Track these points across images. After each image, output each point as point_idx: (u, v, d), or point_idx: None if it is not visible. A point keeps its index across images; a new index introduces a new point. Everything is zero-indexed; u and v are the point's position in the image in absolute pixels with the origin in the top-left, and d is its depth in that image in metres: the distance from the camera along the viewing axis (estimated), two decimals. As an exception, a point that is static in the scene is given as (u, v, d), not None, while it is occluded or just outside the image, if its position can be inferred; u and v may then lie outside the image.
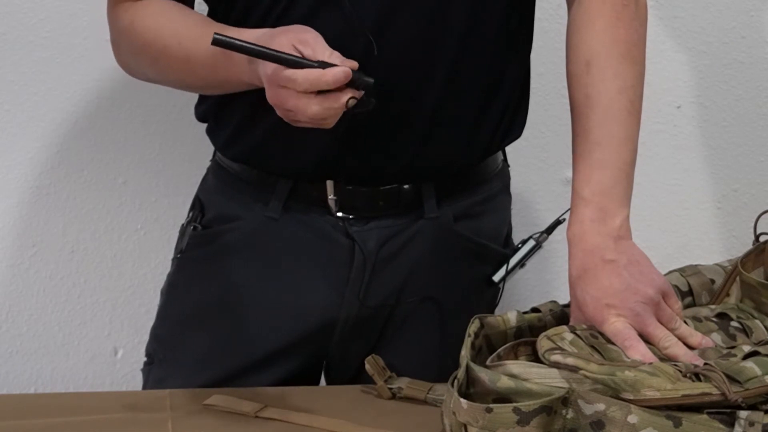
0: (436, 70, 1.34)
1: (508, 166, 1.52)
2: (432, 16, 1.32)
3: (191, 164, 1.82)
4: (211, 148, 1.49)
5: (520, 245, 1.47)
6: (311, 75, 1.18)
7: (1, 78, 1.80)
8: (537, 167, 1.96)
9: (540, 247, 1.47)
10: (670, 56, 1.96)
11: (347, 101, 1.20)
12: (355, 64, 1.20)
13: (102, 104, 1.84)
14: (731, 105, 2.00)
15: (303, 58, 1.19)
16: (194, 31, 1.31)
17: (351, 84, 1.19)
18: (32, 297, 1.89)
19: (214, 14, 1.38)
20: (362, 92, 1.21)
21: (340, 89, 1.20)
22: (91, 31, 1.79)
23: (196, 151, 1.81)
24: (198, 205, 1.48)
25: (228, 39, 1.18)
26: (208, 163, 1.52)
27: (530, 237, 1.47)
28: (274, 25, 1.31)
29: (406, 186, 1.40)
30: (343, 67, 1.19)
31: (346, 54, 1.28)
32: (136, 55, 1.37)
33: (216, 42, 1.17)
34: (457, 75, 1.35)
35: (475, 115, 1.39)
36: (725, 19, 1.96)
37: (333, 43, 1.27)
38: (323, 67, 1.18)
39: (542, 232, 1.47)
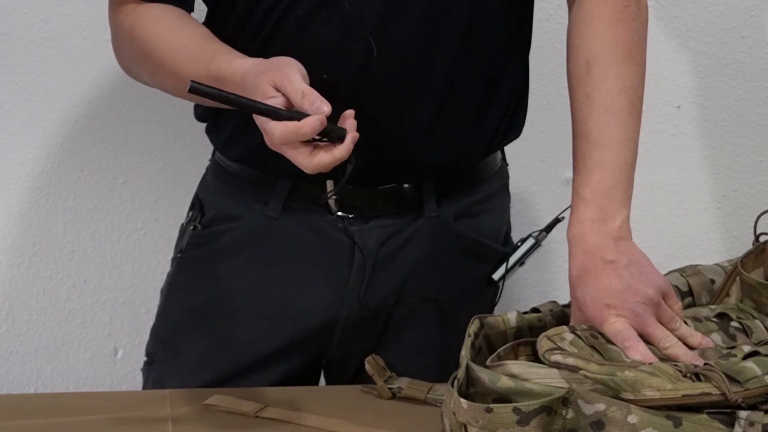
0: (436, 70, 1.34)
1: (507, 165, 1.53)
2: (431, 17, 1.32)
3: (191, 164, 1.82)
4: (211, 148, 1.49)
5: (519, 244, 1.48)
6: (287, 128, 1.15)
7: (1, 78, 1.80)
8: (537, 167, 1.96)
9: (539, 245, 1.47)
10: (670, 56, 1.96)
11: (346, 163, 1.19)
12: (327, 110, 1.16)
13: (102, 104, 1.84)
14: (731, 105, 2.00)
15: (277, 109, 1.16)
16: (189, 49, 1.30)
17: (324, 134, 1.16)
18: (32, 297, 1.89)
19: (213, 16, 1.38)
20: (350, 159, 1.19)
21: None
22: (91, 31, 1.79)
23: (195, 151, 1.81)
24: (198, 205, 1.48)
25: (204, 88, 1.15)
26: (207, 163, 1.52)
27: (529, 235, 1.47)
28: (274, 26, 1.31)
29: (406, 185, 1.40)
30: (318, 116, 1.15)
31: (346, 56, 1.28)
32: (136, 64, 1.37)
33: (192, 90, 1.15)
34: (456, 75, 1.35)
35: (475, 115, 1.39)
36: (725, 19, 1.96)
37: (333, 44, 1.27)
38: (298, 117, 1.15)
39: (541, 231, 1.47)
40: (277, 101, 1.17)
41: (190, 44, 1.30)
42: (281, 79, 1.17)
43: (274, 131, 1.16)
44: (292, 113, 1.16)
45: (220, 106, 1.24)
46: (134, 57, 1.36)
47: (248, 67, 1.22)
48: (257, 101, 1.16)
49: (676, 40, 1.96)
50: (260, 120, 1.18)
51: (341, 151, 1.17)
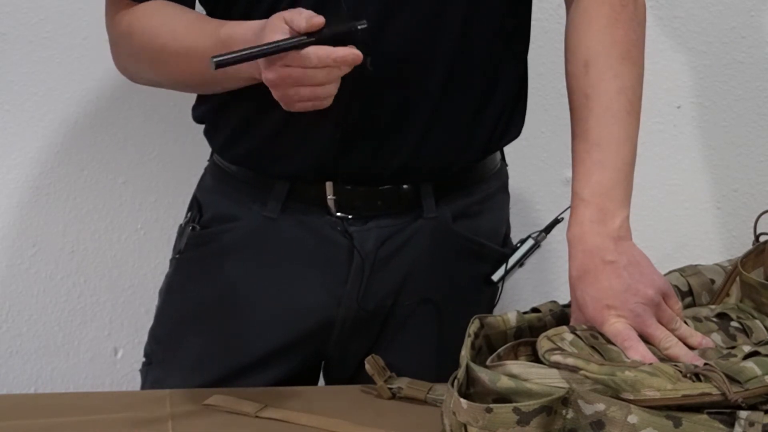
0: (434, 69, 1.34)
1: (506, 165, 1.53)
2: (428, 18, 1.32)
3: (191, 164, 1.82)
4: (209, 148, 1.49)
5: (518, 244, 1.47)
6: (320, 51, 1.18)
7: (1, 78, 1.80)
8: (536, 167, 1.96)
9: (539, 246, 1.47)
10: (670, 56, 1.96)
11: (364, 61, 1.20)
12: (320, 21, 1.18)
13: (102, 104, 1.84)
14: (731, 105, 2.00)
15: (300, 38, 1.18)
16: (192, 27, 1.30)
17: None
18: (32, 297, 1.89)
19: (213, 16, 1.38)
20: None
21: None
22: (91, 31, 1.79)
23: (195, 152, 1.81)
24: (196, 206, 1.48)
25: (227, 57, 1.17)
26: (207, 164, 1.52)
27: (529, 236, 1.47)
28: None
29: (404, 186, 1.40)
30: (352, 50, 1.19)
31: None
32: (135, 57, 1.37)
33: (218, 65, 1.16)
34: (454, 74, 1.35)
35: (473, 115, 1.39)
36: (725, 19, 1.96)
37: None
38: (320, 41, 1.18)
39: (541, 231, 1.47)
40: (287, 35, 1.18)
41: (192, 23, 1.31)
42: (290, 12, 1.19)
43: (308, 54, 1.17)
44: (312, 40, 1.18)
45: (217, 88, 1.24)
46: (132, 51, 1.36)
47: (261, 21, 1.23)
48: (279, 41, 1.17)
49: (676, 40, 1.96)
50: (283, 57, 1.18)
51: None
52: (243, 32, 1.24)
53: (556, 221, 1.45)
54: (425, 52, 1.33)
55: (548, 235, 1.48)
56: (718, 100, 1.99)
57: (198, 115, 1.46)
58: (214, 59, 1.16)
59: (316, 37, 1.18)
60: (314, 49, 1.18)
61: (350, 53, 1.19)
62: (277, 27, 1.19)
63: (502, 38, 1.38)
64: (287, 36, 1.18)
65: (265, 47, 1.18)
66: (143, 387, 1.50)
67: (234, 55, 1.17)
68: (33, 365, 1.92)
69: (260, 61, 1.20)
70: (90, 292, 1.91)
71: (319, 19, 1.18)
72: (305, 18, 1.18)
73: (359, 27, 1.20)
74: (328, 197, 1.38)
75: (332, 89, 1.22)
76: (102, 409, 1.31)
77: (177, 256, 1.48)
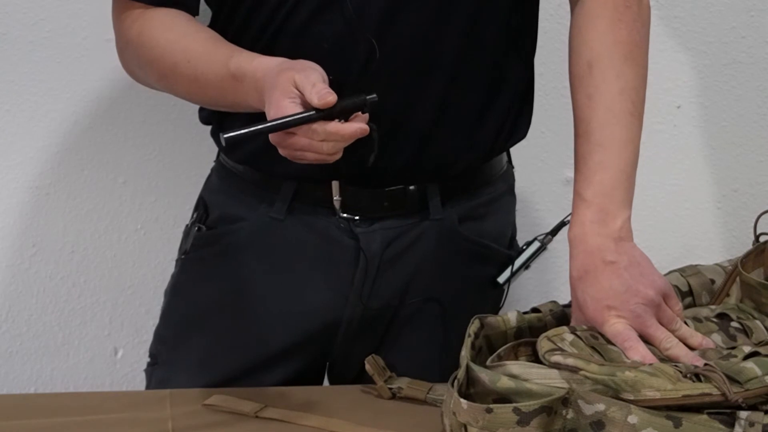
0: (439, 69, 1.34)
1: (513, 167, 1.52)
2: (434, 17, 1.32)
3: (191, 164, 1.82)
4: (213, 149, 1.49)
5: (524, 247, 1.47)
6: (329, 127, 1.17)
7: (1, 78, 1.80)
8: (537, 167, 1.96)
9: (544, 248, 1.47)
10: (670, 56, 1.96)
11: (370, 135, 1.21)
12: (333, 100, 1.18)
13: (102, 104, 1.84)
14: (731, 105, 2.00)
15: (309, 115, 1.18)
16: (204, 50, 1.30)
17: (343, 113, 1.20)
18: (32, 297, 1.89)
19: (218, 16, 1.38)
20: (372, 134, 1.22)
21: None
22: (91, 31, 1.79)
23: (196, 152, 1.81)
24: (202, 206, 1.48)
25: (237, 134, 1.18)
26: (208, 163, 1.52)
27: (535, 239, 1.47)
28: (277, 28, 1.31)
29: (411, 187, 1.40)
30: (361, 125, 1.19)
31: (349, 56, 1.28)
32: (144, 68, 1.37)
33: (229, 142, 1.18)
34: (459, 75, 1.35)
35: (479, 116, 1.39)
36: (725, 19, 1.96)
37: (335, 45, 1.27)
38: (330, 115, 1.18)
39: (547, 234, 1.47)
40: (296, 101, 1.18)
41: (205, 46, 1.30)
42: (301, 77, 1.19)
43: (316, 128, 1.17)
44: (321, 115, 1.18)
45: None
46: (141, 61, 1.36)
47: (273, 65, 1.23)
48: (288, 117, 1.17)
49: (676, 40, 1.96)
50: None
51: (360, 121, 1.19)
52: (253, 69, 1.24)
53: (563, 224, 1.45)
54: (431, 50, 1.33)
55: (553, 238, 1.47)
56: (718, 100, 1.99)
57: (205, 116, 1.46)
58: (224, 136, 1.18)
59: (326, 112, 1.18)
60: (323, 126, 1.17)
61: (359, 130, 1.19)
62: (287, 91, 1.18)
63: (508, 38, 1.38)
64: (295, 99, 1.18)
65: (275, 123, 1.18)
66: (148, 387, 1.50)
67: (244, 131, 1.19)
68: (33, 365, 1.92)
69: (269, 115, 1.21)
70: (90, 292, 1.91)
71: (331, 98, 1.17)
72: (317, 95, 1.17)
73: (369, 100, 1.20)
74: (334, 198, 1.38)
75: (338, 155, 1.22)
76: (102, 409, 1.31)
77: (183, 256, 1.48)
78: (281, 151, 1.22)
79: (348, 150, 1.34)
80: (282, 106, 1.17)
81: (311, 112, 1.17)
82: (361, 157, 1.26)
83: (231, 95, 1.28)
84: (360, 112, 1.20)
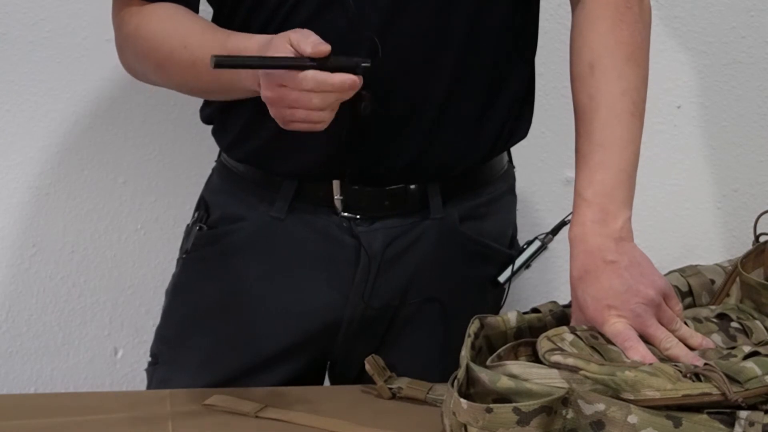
0: (441, 69, 1.34)
1: (514, 167, 1.53)
2: (436, 16, 1.32)
3: (191, 164, 1.82)
4: (213, 148, 1.49)
5: (525, 246, 1.47)
6: (319, 75, 1.18)
7: (1, 78, 1.80)
8: (538, 167, 1.96)
9: (545, 248, 1.47)
10: (670, 56, 1.96)
11: (360, 98, 1.20)
12: (326, 49, 1.18)
13: (102, 104, 1.84)
14: (731, 105, 2.00)
15: (302, 59, 1.18)
16: (201, 36, 1.30)
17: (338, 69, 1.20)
18: (32, 297, 1.89)
19: (218, 16, 1.38)
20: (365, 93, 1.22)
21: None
22: (91, 31, 1.79)
23: (196, 151, 1.81)
24: (203, 206, 1.48)
25: (228, 58, 1.18)
26: (208, 163, 1.52)
27: (536, 238, 1.47)
28: (279, 27, 1.31)
29: (412, 186, 1.40)
30: (351, 77, 1.19)
31: (351, 54, 1.28)
32: (142, 60, 1.37)
33: (217, 64, 1.17)
34: (461, 74, 1.35)
35: (480, 115, 1.39)
36: (725, 19, 1.96)
37: (337, 45, 1.27)
38: (322, 67, 1.18)
39: (547, 233, 1.47)
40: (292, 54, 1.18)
41: (202, 32, 1.31)
42: (297, 36, 1.19)
43: (305, 76, 1.17)
44: (314, 62, 1.18)
45: (223, 98, 1.24)
46: (138, 53, 1.36)
47: (269, 36, 1.23)
48: (281, 56, 1.18)
49: (676, 40, 1.96)
50: (281, 75, 1.18)
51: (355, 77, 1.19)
52: (249, 46, 1.24)
53: (563, 223, 1.45)
54: (433, 50, 1.33)
55: (554, 237, 1.47)
56: (718, 100, 1.99)
57: (206, 116, 1.46)
58: (215, 57, 1.17)
59: (318, 62, 1.18)
60: (313, 72, 1.18)
61: (348, 79, 1.19)
62: (281, 47, 1.19)
63: (510, 38, 1.38)
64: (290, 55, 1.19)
65: (267, 60, 1.18)
66: (149, 387, 1.50)
67: (234, 58, 1.19)
68: (33, 365, 1.92)
69: (260, 77, 1.21)
70: (90, 292, 1.91)
71: (325, 47, 1.18)
72: (311, 43, 1.18)
73: (363, 65, 1.20)
74: (335, 197, 1.38)
75: (327, 116, 1.21)
76: (102, 409, 1.31)
77: (184, 256, 1.48)
78: (272, 111, 1.22)
79: (349, 149, 1.34)
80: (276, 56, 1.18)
81: (304, 60, 1.18)
82: (356, 113, 1.25)
83: (226, 77, 1.27)
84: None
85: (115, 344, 1.94)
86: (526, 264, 1.47)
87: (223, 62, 1.18)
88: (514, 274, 1.46)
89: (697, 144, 2.01)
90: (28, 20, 1.79)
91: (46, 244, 1.88)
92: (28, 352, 1.91)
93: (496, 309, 1.49)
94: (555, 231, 1.47)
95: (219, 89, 1.33)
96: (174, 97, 1.82)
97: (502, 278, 1.46)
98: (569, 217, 1.31)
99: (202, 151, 1.53)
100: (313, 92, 1.19)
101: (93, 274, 1.90)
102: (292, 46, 1.19)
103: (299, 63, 1.18)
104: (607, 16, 1.32)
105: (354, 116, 1.25)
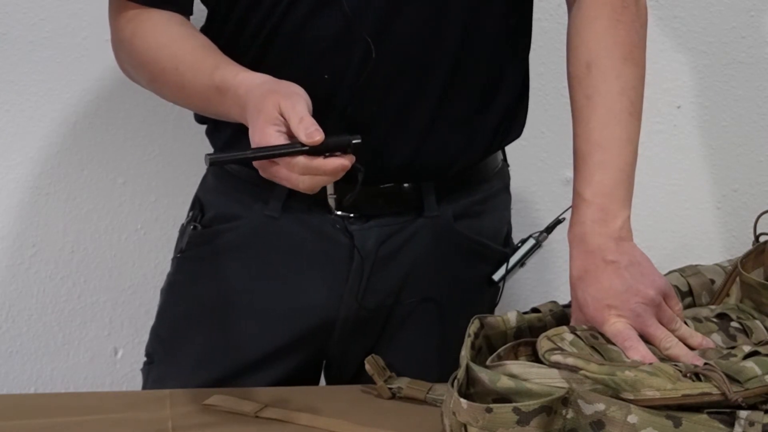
0: (436, 69, 1.34)
1: (508, 165, 1.53)
2: (431, 17, 1.32)
3: (191, 164, 1.82)
4: (211, 149, 1.49)
5: (519, 244, 1.48)
6: (312, 163, 1.17)
7: (1, 78, 1.80)
8: (537, 167, 1.96)
9: (540, 246, 1.47)
10: (670, 56, 1.96)
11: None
12: (320, 138, 1.16)
13: (102, 104, 1.84)
14: (731, 105, 2.00)
15: (293, 145, 1.17)
16: (192, 59, 1.30)
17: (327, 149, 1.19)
18: (32, 297, 1.89)
19: (213, 17, 1.38)
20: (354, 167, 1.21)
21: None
22: (91, 31, 1.79)
23: (195, 152, 1.81)
24: (198, 205, 1.48)
25: (221, 157, 1.19)
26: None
27: (530, 236, 1.47)
28: (274, 27, 1.31)
29: (405, 185, 1.40)
30: (343, 161, 1.18)
31: (346, 56, 1.28)
32: (137, 69, 1.38)
33: (212, 162, 1.19)
34: (456, 74, 1.35)
35: (475, 114, 1.39)
36: (725, 19, 1.96)
37: (332, 45, 1.28)
38: (312, 153, 1.17)
39: (542, 231, 1.47)
40: (281, 130, 1.18)
41: (193, 54, 1.30)
42: (287, 105, 1.18)
43: (297, 162, 1.16)
44: (305, 150, 1.17)
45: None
46: (133, 63, 1.37)
47: (257, 83, 1.23)
48: (274, 147, 1.17)
49: (676, 40, 1.96)
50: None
51: (346, 159, 1.19)
52: (236, 84, 1.24)
53: (558, 221, 1.45)
54: (427, 50, 1.33)
55: (548, 236, 1.48)
56: (718, 100, 1.99)
57: (200, 116, 1.46)
58: (209, 157, 1.18)
59: (311, 148, 1.17)
60: (306, 160, 1.17)
61: (341, 165, 1.18)
62: (272, 118, 1.18)
63: (505, 37, 1.38)
64: (280, 128, 1.18)
65: (259, 153, 1.18)
66: (145, 386, 1.50)
67: (228, 156, 1.22)
68: (33, 365, 1.92)
69: (253, 139, 1.20)
70: (90, 292, 1.91)
71: (319, 137, 1.16)
72: (304, 132, 1.16)
73: (354, 142, 1.19)
74: (329, 196, 1.38)
75: (316, 189, 1.21)
76: (102, 409, 1.31)
77: (179, 255, 1.48)
78: (261, 173, 1.22)
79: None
80: (266, 134, 1.17)
81: (296, 145, 1.17)
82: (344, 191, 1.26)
83: (214, 106, 1.29)
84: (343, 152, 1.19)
85: (115, 344, 1.94)
86: (521, 262, 1.47)
87: (217, 160, 1.19)
88: (508, 272, 1.46)
89: (696, 144, 2.01)
90: (28, 20, 1.79)
91: (46, 244, 1.88)
92: (28, 352, 1.91)
93: (491, 307, 1.49)
94: (549, 229, 1.47)
95: (209, 114, 1.35)
96: (174, 97, 1.82)
97: (496, 277, 1.46)
98: (564, 215, 1.31)
99: (202, 151, 1.52)
100: (303, 175, 1.18)
101: (93, 274, 1.90)
102: (282, 115, 1.18)
103: (291, 150, 1.17)
104: (604, 16, 1.32)
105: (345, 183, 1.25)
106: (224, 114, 1.28)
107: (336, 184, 1.37)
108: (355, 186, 1.23)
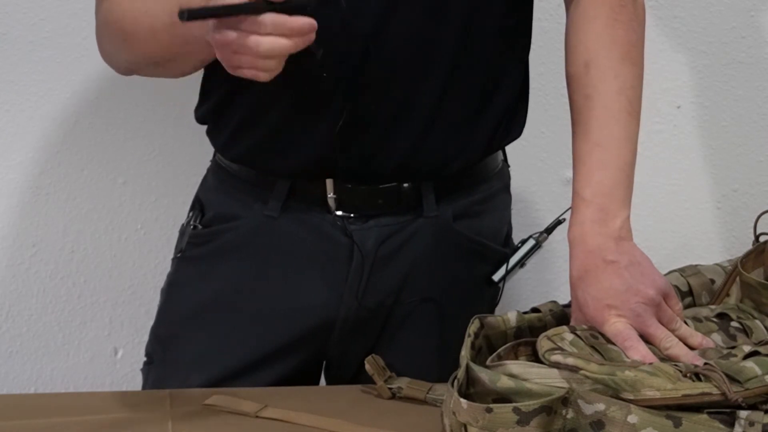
0: (435, 68, 1.34)
1: (508, 166, 1.53)
2: (429, 16, 1.32)
3: (191, 164, 1.82)
4: (211, 148, 1.49)
5: (519, 245, 1.48)
6: (278, 18, 1.13)
7: (1, 78, 1.80)
8: (537, 167, 1.97)
9: (540, 246, 1.47)
10: (670, 56, 1.96)
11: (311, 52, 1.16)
12: None
13: (102, 104, 1.84)
14: (731, 105, 2.00)
15: (258, 3, 1.13)
16: (162, 1, 1.26)
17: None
18: (32, 297, 1.89)
19: None
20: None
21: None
22: (91, 30, 1.77)
23: (195, 151, 1.81)
24: (198, 205, 1.48)
25: (196, 10, 1.14)
26: (207, 163, 1.52)
27: (530, 236, 1.47)
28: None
29: (405, 185, 1.40)
30: (309, 20, 1.14)
31: (344, 55, 1.28)
32: (111, 38, 1.35)
33: (189, 16, 1.12)
34: (455, 73, 1.35)
35: (474, 114, 1.39)
36: (725, 19, 1.96)
37: (329, 44, 1.27)
38: (276, 10, 1.14)
39: (542, 232, 1.47)
40: None
41: None
42: None
43: (264, 20, 1.12)
44: (276, 5, 1.14)
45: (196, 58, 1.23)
46: (108, 31, 1.35)
47: None
48: (240, 3, 1.13)
49: (676, 40, 1.96)
50: (237, 20, 1.14)
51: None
52: None
53: (558, 222, 1.45)
54: (426, 50, 1.33)
55: (548, 236, 1.48)
56: (718, 100, 2.00)
57: (200, 116, 1.46)
58: (184, 10, 1.12)
59: (274, 5, 1.13)
60: (271, 15, 1.13)
61: (307, 23, 1.14)
62: None
63: (504, 36, 1.38)
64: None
65: (231, 8, 1.14)
66: (144, 386, 1.50)
67: (202, 9, 1.14)
68: (33, 365, 1.92)
69: (211, 21, 1.16)
70: (90, 292, 1.91)
71: None
72: None
73: (313, 2, 1.15)
74: (329, 195, 1.38)
75: (273, 65, 1.16)
76: (102, 409, 1.31)
77: (178, 255, 1.48)
78: (219, 55, 1.17)
79: (342, 148, 1.34)
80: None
81: (260, 3, 1.13)
82: (305, 61, 1.19)
83: (180, 30, 1.21)
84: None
85: (115, 344, 1.94)
86: (521, 263, 1.47)
87: (193, 14, 1.13)
88: (508, 272, 1.46)
89: (696, 144, 2.01)
90: (28, 20, 1.79)
91: (46, 244, 1.88)
92: (28, 352, 1.91)
93: (491, 307, 1.49)
94: (549, 230, 1.47)
95: (178, 49, 1.29)
96: (174, 97, 1.82)
97: (496, 277, 1.46)
98: (564, 216, 1.31)
99: (202, 152, 1.53)
100: (263, 35, 1.13)
101: (93, 274, 1.90)
102: None
103: (257, 7, 1.13)
104: (602, 15, 1.32)
105: (301, 63, 1.20)
106: (191, 38, 1.22)
107: (336, 184, 1.38)
108: (314, 58, 1.17)
